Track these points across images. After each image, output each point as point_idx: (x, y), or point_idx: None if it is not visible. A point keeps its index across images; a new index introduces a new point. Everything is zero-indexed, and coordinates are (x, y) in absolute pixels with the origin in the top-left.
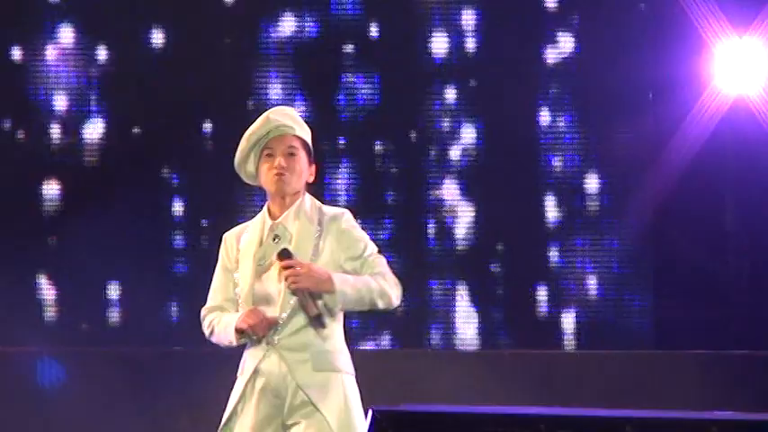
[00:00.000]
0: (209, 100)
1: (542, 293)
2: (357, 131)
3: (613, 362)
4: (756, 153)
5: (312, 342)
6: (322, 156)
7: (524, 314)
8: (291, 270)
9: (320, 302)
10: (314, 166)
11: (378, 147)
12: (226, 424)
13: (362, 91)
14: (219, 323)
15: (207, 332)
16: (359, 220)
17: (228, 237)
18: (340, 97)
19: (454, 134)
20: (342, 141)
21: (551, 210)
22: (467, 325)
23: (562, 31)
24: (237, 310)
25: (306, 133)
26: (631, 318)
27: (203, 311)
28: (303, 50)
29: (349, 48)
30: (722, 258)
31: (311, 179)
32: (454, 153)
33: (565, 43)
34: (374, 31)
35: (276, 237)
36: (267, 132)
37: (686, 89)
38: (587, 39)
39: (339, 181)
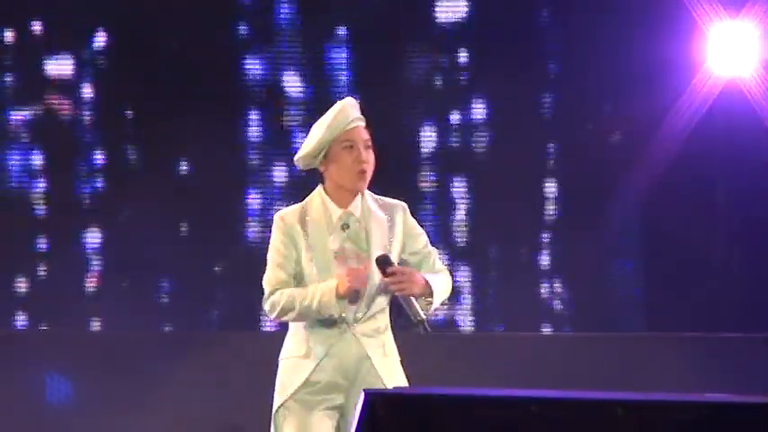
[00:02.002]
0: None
1: (533, 276)
2: None
3: (604, 344)
4: (748, 136)
5: (381, 329)
6: None
7: (516, 296)
8: (396, 277)
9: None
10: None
11: None
12: (286, 402)
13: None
14: (306, 297)
15: (280, 308)
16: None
17: (288, 217)
18: None
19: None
20: None
21: (545, 193)
22: (460, 307)
23: (553, 14)
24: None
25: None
26: (622, 300)
27: (269, 287)
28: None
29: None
30: (713, 241)
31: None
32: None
33: (556, 27)
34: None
35: (346, 225)
36: (347, 124)
37: (678, 72)
38: (579, 21)
39: None
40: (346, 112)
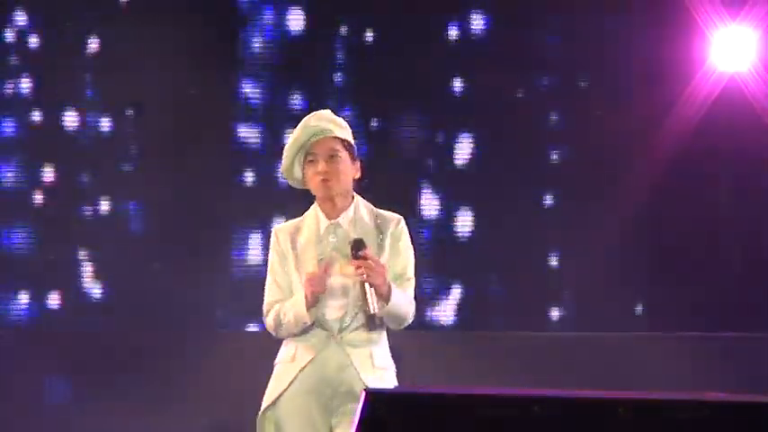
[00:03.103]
0: None
1: (533, 275)
2: None
3: (604, 344)
4: (749, 135)
5: (372, 339)
6: None
7: (516, 296)
8: (366, 262)
9: (377, 302)
10: (358, 163)
11: None
12: (269, 408)
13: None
14: (286, 311)
15: (273, 325)
16: None
17: (281, 232)
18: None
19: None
20: None
21: (546, 192)
22: (460, 306)
23: (555, 13)
24: None
25: (346, 132)
26: (623, 300)
27: (265, 307)
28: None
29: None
30: (713, 240)
31: (357, 176)
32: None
33: (557, 26)
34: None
35: (334, 236)
36: (308, 138)
37: (679, 72)
38: (580, 22)
39: None
40: (307, 126)
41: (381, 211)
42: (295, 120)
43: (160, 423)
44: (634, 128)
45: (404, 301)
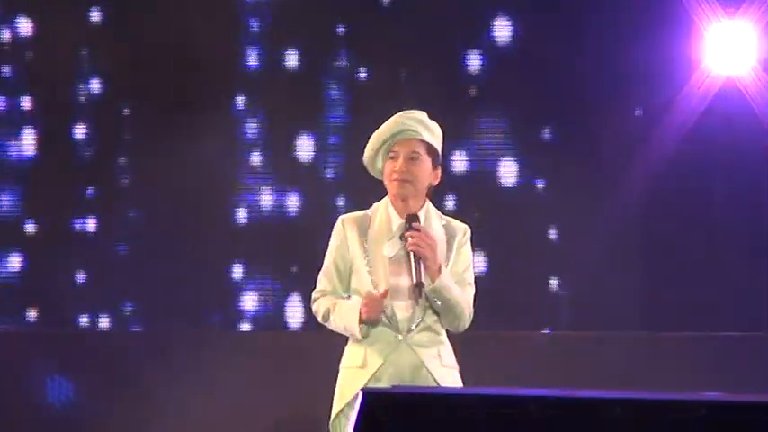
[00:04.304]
0: None
1: (533, 275)
2: None
3: (604, 344)
4: (746, 135)
5: (438, 339)
6: None
7: (516, 295)
8: (416, 233)
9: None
10: (439, 170)
11: None
12: (341, 412)
13: None
14: (338, 317)
15: (320, 318)
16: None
17: (348, 223)
18: None
19: None
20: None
21: (544, 192)
22: None
23: (551, 13)
24: (349, 296)
25: (434, 137)
26: (620, 299)
27: (315, 294)
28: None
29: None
30: (712, 240)
31: (435, 182)
32: None
33: (552, 26)
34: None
35: (408, 227)
36: (393, 135)
37: (676, 71)
38: (576, 21)
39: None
40: (395, 123)
41: (450, 219)
42: None
43: (160, 423)
44: (631, 127)
45: (457, 294)
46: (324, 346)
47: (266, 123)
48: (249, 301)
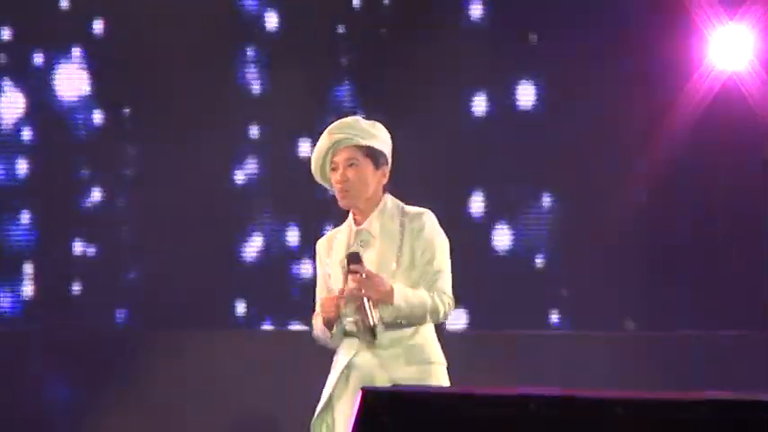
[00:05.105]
0: None
1: (533, 275)
2: None
3: (604, 344)
4: (747, 135)
5: (403, 336)
6: None
7: (516, 295)
8: (356, 276)
9: (376, 312)
10: (387, 168)
11: None
12: (319, 415)
13: None
14: (314, 325)
15: (313, 335)
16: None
17: (320, 245)
18: None
19: None
20: None
21: (544, 192)
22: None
23: (551, 14)
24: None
25: (371, 139)
26: (623, 300)
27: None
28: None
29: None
30: (712, 240)
31: (384, 180)
32: None
33: (554, 27)
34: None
35: (362, 242)
36: (327, 149)
37: (677, 71)
38: (577, 21)
39: None
40: (327, 138)
41: (409, 208)
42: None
43: (160, 423)
44: (632, 127)
45: (415, 301)
46: (325, 347)
47: (268, 124)
48: (249, 302)
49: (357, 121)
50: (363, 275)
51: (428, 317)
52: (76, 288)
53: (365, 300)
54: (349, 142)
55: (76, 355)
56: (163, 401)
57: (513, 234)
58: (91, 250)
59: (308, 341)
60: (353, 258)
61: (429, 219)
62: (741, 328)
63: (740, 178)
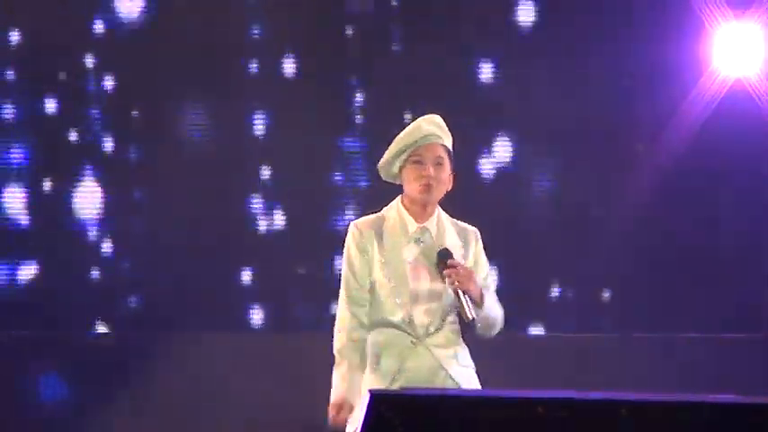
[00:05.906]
0: None
1: (533, 275)
2: None
3: (604, 345)
4: (754, 136)
5: (453, 340)
6: None
7: (516, 296)
8: (454, 270)
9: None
10: (453, 175)
11: None
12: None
13: None
14: (336, 371)
15: (335, 350)
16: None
17: (363, 226)
18: None
19: None
20: None
21: (549, 192)
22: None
23: (557, 14)
24: (369, 303)
25: (450, 143)
26: (622, 300)
27: (339, 323)
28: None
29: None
30: (716, 241)
31: (449, 187)
32: None
33: (561, 26)
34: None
35: (421, 240)
36: (415, 140)
37: (685, 72)
38: (584, 22)
39: None
40: (420, 128)
41: (459, 222)
42: None
43: (160, 424)
44: (639, 129)
45: (496, 305)
46: (327, 346)
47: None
48: (251, 302)
49: (442, 120)
50: (461, 270)
51: (491, 329)
52: (77, 288)
53: (461, 294)
54: (438, 140)
55: (76, 355)
56: (163, 401)
57: (515, 235)
58: (91, 250)
59: (310, 342)
60: (446, 254)
61: (479, 237)
62: (742, 331)
63: (746, 180)
